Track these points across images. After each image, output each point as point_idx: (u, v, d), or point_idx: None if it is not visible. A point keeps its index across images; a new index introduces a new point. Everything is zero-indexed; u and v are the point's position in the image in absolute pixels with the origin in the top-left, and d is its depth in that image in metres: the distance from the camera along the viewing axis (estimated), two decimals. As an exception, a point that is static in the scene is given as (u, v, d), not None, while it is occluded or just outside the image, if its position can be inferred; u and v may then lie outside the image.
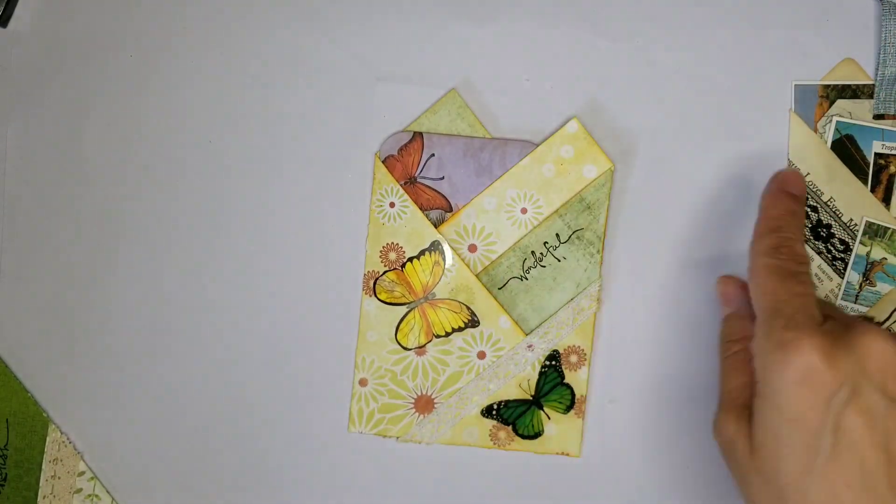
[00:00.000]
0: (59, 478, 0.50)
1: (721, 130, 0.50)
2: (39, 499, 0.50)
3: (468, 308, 0.49)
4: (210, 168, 0.50)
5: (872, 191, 0.49)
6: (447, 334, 0.50)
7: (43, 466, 0.50)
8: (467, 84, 0.50)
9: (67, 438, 0.51)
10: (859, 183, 0.49)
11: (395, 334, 0.50)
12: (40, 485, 0.50)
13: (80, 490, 0.50)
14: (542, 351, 0.49)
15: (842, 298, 0.49)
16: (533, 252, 0.49)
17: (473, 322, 0.49)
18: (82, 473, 0.51)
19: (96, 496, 0.50)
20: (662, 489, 0.50)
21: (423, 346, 0.50)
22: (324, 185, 0.50)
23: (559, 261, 0.49)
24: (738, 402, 0.40)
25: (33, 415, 0.51)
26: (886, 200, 0.49)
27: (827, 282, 0.49)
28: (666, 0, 0.50)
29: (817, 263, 0.49)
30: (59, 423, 0.51)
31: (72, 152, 0.51)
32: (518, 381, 0.50)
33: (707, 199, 0.49)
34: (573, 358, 0.50)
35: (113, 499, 0.51)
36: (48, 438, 0.50)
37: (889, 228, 0.49)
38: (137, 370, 0.51)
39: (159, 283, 0.51)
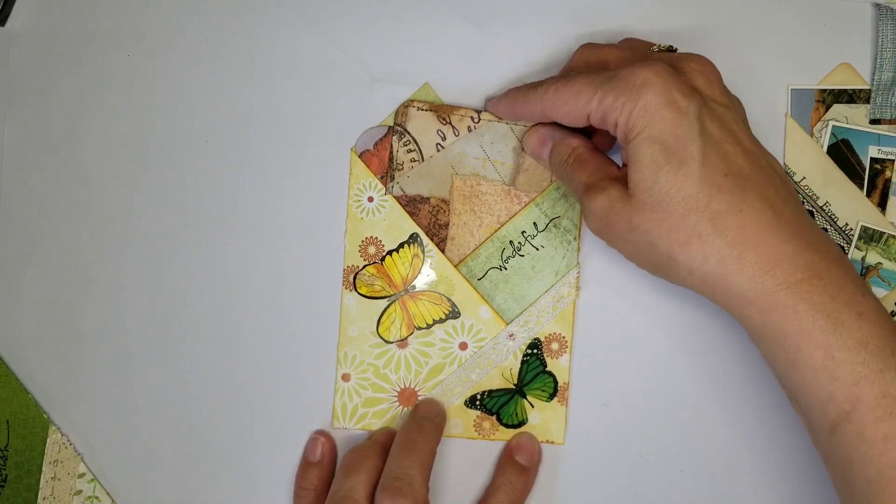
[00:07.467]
0: (59, 479, 0.51)
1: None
2: (39, 500, 0.51)
3: (448, 299, 0.49)
4: (206, 167, 0.51)
5: (868, 195, 0.49)
6: (428, 326, 0.50)
7: (43, 468, 0.51)
8: (464, 85, 0.50)
9: (68, 440, 0.51)
10: (855, 188, 0.49)
11: (377, 328, 0.50)
12: (40, 486, 0.51)
13: (80, 492, 0.51)
14: (523, 340, 0.49)
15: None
16: (511, 242, 0.49)
17: (454, 313, 0.50)
18: (82, 475, 0.51)
19: (96, 498, 0.51)
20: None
21: (405, 338, 0.50)
22: (317, 184, 0.50)
23: (537, 249, 0.49)
24: (595, 185, 0.43)
25: (34, 416, 0.51)
26: (882, 205, 0.49)
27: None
28: (663, 3, 0.50)
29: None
30: (59, 424, 0.51)
31: (69, 151, 0.51)
32: (500, 371, 0.50)
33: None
34: (554, 345, 0.49)
35: (113, 501, 0.51)
36: (48, 440, 0.51)
37: (884, 233, 0.49)
38: (137, 371, 0.51)
39: (157, 283, 0.51)
